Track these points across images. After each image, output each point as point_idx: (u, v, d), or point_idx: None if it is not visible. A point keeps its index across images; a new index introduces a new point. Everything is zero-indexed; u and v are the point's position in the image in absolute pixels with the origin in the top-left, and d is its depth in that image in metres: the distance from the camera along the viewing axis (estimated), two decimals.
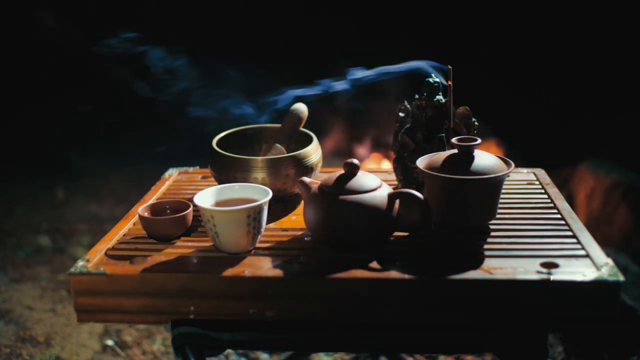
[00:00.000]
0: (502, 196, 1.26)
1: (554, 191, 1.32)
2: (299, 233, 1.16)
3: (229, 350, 2.05)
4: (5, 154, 3.70)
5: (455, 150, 1.13)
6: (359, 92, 1.34)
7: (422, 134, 1.30)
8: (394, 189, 1.17)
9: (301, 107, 1.39)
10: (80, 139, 3.80)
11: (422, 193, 1.09)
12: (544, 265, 1.00)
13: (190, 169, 1.57)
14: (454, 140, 1.12)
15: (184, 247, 1.11)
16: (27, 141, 3.79)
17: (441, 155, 1.14)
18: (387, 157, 3.14)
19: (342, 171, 1.10)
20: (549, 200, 1.27)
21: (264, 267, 1.02)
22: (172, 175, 1.52)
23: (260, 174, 1.23)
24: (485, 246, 1.07)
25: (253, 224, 1.04)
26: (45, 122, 3.76)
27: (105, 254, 1.09)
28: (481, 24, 3.40)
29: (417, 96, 1.30)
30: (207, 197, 1.10)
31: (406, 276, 0.97)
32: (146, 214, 1.16)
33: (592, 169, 2.82)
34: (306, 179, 1.12)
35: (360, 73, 1.30)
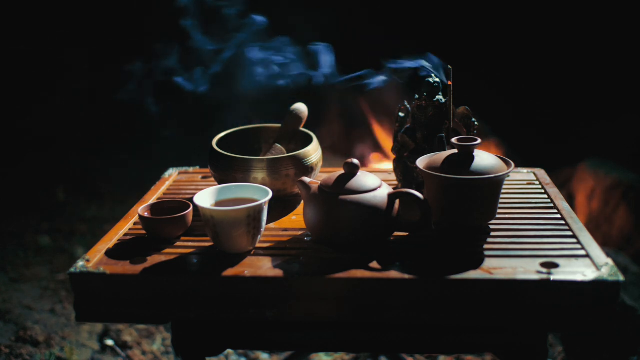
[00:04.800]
0: (502, 196, 1.26)
1: (554, 191, 1.32)
2: (299, 233, 1.16)
3: (229, 350, 2.05)
4: (6, 154, 3.70)
5: (455, 150, 1.13)
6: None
7: (422, 134, 1.30)
8: (394, 189, 1.17)
9: (301, 107, 1.39)
10: (80, 138, 3.80)
11: (422, 193, 1.09)
12: (544, 265, 1.00)
13: (190, 169, 1.57)
14: (454, 140, 1.12)
15: (184, 247, 1.11)
16: (28, 141, 3.79)
17: (441, 155, 1.14)
18: (387, 157, 3.14)
19: (342, 171, 1.10)
20: (549, 200, 1.27)
21: (264, 267, 1.02)
22: (172, 175, 1.52)
23: (260, 174, 1.23)
24: (485, 246, 1.07)
25: (253, 224, 1.04)
26: (45, 122, 3.76)
27: (105, 254, 1.09)
28: (481, 23, 3.40)
29: (417, 96, 1.30)
30: (207, 197, 1.10)
31: (406, 276, 0.97)
32: (146, 214, 1.15)
33: (592, 169, 2.82)
34: (306, 179, 1.12)
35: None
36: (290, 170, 1.25)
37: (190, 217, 1.15)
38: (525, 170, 1.46)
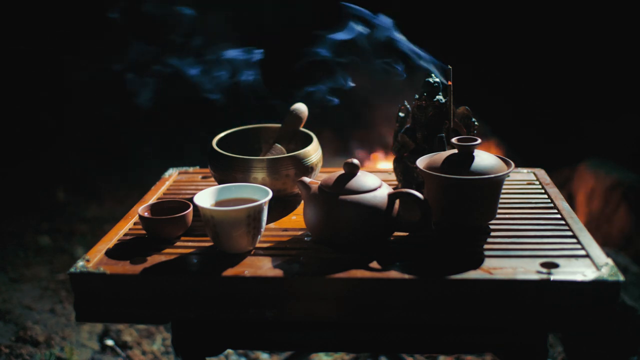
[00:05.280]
0: (502, 196, 1.26)
1: (554, 191, 1.32)
2: (299, 233, 1.16)
3: (229, 350, 2.05)
4: (6, 154, 3.70)
5: (455, 150, 1.13)
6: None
7: (422, 134, 1.30)
8: (394, 189, 1.17)
9: (301, 107, 1.39)
10: (80, 138, 3.80)
11: (422, 193, 1.09)
12: (544, 265, 1.00)
13: (190, 169, 1.57)
14: (454, 140, 1.12)
15: (184, 247, 1.11)
16: (28, 141, 3.79)
17: (441, 155, 1.14)
18: (387, 157, 3.14)
19: (342, 171, 1.10)
20: (549, 200, 1.27)
21: (264, 267, 1.02)
22: (172, 175, 1.52)
23: (260, 174, 1.23)
24: (485, 246, 1.07)
25: (253, 224, 1.04)
26: (46, 123, 3.77)
27: (105, 254, 1.09)
28: (481, 23, 3.40)
29: (417, 96, 1.30)
30: (207, 197, 1.10)
31: (406, 276, 0.97)
32: (146, 214, 1.15)
33: (592, 169, 2.82)
34: (306, 179, 1.12)
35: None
36: (290, 170, 1.25)
37: (190, 217, 1.15)
38: (525, 170, 1.46)
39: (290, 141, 1.40)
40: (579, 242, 1.08)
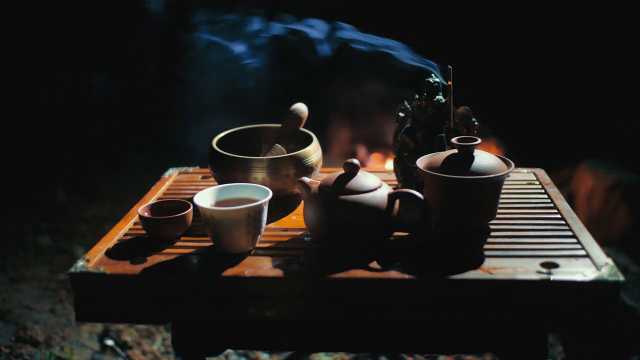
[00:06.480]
0: (502, 196, 1.26)
1: (554, 191, 1.32)
2: (299, 233, 1.16)
3: (229, 350, 2.05)
4: (6, 154, 3.70)
5: (455, 150, 1.13)
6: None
7: (422, 134, 1.30)
8: (394, 189, 1.17)
9: (301, 107, 1.39)
10: (80, 138, 3.80)
11: (422, 193, 1.09)
12: (544, 265, 1.00)
13: (190, 169, 1.57)
14: (454, 140, 1.12)
15: (184, 247, 1.11)
16: (28, 141, 3.79)
17: (441, 155, 1.14)
18: (387, 157, 3.14)
19: (342, 171, 1.10)
20: (549, 200, 1.27)
21: (264, 267, 1.02)
22: (172, 175, 1.52)
23: (260, 174, 1.23)
24: (485, 246, 1.07)
25: (253, 224, 1.04)
26: (45, 122, 3.76)
27: (105, 254, 1.09)
28: (481, 23, 3.40)
29: (417, 96, 1.30)
30: (207, 197, 1.10)
31: (406, 276, 0.97)
32: (146, 214, 1.15)
33: (592, 169, 2.82)
34: (306, 179, 1.12)
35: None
36: (290, 170, 1.25)
37: (190, 217, 1.15)
38: (525, 170, 1.46)
39: (290, 141, 1.40)
40: (579, 242, 1.08)
